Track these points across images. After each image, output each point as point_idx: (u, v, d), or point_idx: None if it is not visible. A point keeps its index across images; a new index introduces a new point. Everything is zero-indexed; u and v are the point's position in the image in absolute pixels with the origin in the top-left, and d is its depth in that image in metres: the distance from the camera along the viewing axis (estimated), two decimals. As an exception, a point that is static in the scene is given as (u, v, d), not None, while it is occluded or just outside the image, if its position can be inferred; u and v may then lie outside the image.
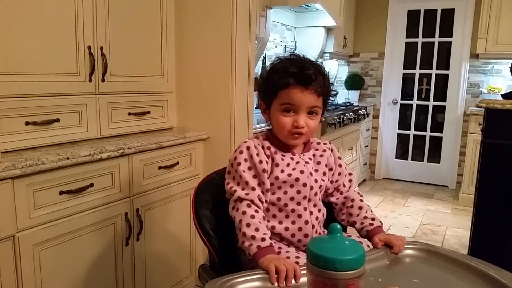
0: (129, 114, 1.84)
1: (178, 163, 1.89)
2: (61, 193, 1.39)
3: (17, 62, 1.40)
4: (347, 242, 0.77)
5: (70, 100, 1.58)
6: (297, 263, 0.97)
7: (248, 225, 1.03)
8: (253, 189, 1.09)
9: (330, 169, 1.22)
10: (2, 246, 1.24)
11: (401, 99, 4.82)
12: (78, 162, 1.42)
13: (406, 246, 1.09)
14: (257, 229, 1.02)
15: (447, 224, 3.48)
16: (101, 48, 1.67)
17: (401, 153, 4.95)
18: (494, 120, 2.08)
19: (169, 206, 1.89)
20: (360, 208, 1.19)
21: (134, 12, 1.82)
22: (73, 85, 1.59)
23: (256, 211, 1.06)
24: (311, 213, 1.15)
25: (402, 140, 4.92)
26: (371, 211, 1.20)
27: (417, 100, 4.76)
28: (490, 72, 4.33)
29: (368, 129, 4.76)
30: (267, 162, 1.12)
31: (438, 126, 4.70)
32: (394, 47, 4.72)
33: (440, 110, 4.67)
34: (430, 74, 4.65)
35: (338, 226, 0.77)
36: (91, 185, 1.49)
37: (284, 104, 1.10)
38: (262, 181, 1.11)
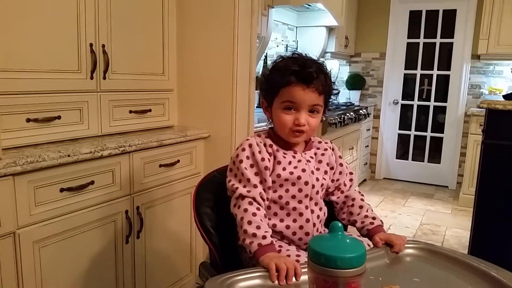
0: (130, 112, 1.84)
1: (178, 161, 1.89)
2: (61, 190, 1.39)
3: (19, 59, 1.40)
4: (348, 240, 0.77)
5: (71, 98, 1.58)
6: (297, 261, 0.97)
7: (249, 222, 1.03)
8: (255, 186, 1.09)
9: (331, 168, 1.23)
10: (3, 243, 1.24)
11: (402, 100, 4.82)
12: (79, 160, 1.42)
13: (406, 245, 1.09)
14: (258, 227, 1.02)
15: (447, 224, 3.48)
16: (103, 46, 1.67)
17: (402, 153, 4.95)
18: (495, 121, 2.08)
19: (170, 204, 1.89)
20: (361, 207, 1.19)
21: (136, 10, 1.81)
22: (75, 83, 1.59)
23: (258, 209, 1.06)
24: (312, 211, 1.15)
25: (402, 140, 4.92)
26: (372, 210, 1.20)
27: (418, 100, 4.76)
28: (492, 73, 4.33)
29: (369, 129, 4.76)
30: (269, 160, 1.12)
31: (438, 126, 4.70)
32: (396, 48, 4.72)
33: (441, 111, 4.67)
34: (431, 75, 4.65)
35: (339, 224, 0.77)
36: (92, 182, 1.49)
37: (285, 102, 1.11)
38: (264, 179, 1.11)
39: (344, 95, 4.84)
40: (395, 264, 1.04)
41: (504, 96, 2.58)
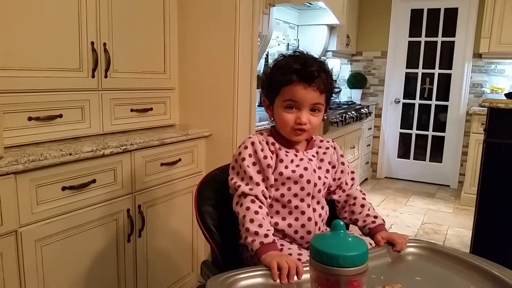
0: (132, 110, 1.84)
1: (180, 160, 1.89)
2: (63, 188, 1.39)
3: (20, 57, 1.40)
4: (350, 239, 0.76)
5: (73, 96, 1.58)
6: (299, 260, 0.97)
7: (251, 220, 1.03)
8: (257, 184, 1.09)
9: (333, 167, 1.23)
10: (5, 241, 1.24)
11: (404, 98, 4.81)
12: (81, 158, 1.42)
13: (408, 244, 1.09)
14: (260, 225, 1.02)
15: (449, 224, 3.47)
16: (104, 44, 1.67)
17: (403, 152, 4.94)
18: (497, 120, 2.08)
19: (171, 202, 1.89)
20: (363, 206, 1.19)
21: (137, 8, 1.81)
22: (76, 81, 1.59)
23: (260, 207, 1.06)
24: (314, 210, 1.14)
25: (404, 139, 4.91)
26: (373, 209, 1.20)
27: (419, 99, 4.75)
28: (493, 72, 4.31)
29: (370, 128, 4.75)
30: (271, 158, 1.12)
31: (440, 125, 4.69)
32: (397, 46, 4.71)
33: (442, 110, 4.66)
34: (433, 74, 4.64)
35: (341, 223, 0.77)
36: (94, 181, 1.49)
37: (287, 101, 1.11)
38: (267, 177, 1.11)
39: (346, 94, 4.83)
40: (397, 263, 1.03)
41: (506, 95, 2.57)
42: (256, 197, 1.07)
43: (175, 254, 1.97)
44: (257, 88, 2.12)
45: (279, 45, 3.75)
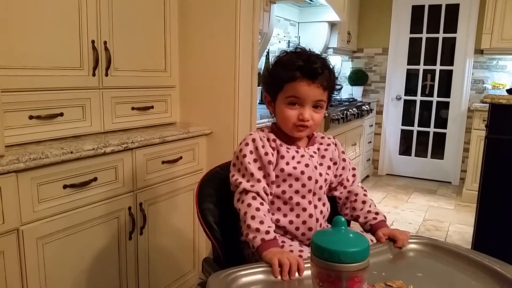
0: (133, 108, 1.84)
1: (181, 157, 1.89)
2: (64, 187, 1.39)
3: (21, 56, 1.40)
4: (351, 235, 0.76)
5: (73, 94, 1.58)
6: (300, 256, 0.97)
7: (253, 217, 1.03)
8: (259, 181, 1.09)
9: (335, 163, 1.22)
10: (7, 239, 1.24)
11: (405, 95, 4.80)
12: (82, 156, 1.42)
13: (410, 240, 1.08)
14: (261, 222, 1.02)
15: (450, 220, 3.47)
16: (105, 43, 1.66)
17: (405, 149, 4.94)
18: (498, 116, 2.07)
19: (172, 200, 1.89)
20: (364, 202, 1.19)
21: (138, 6, 1.81)
22: (77, 79, 1.59)
23: (261, 204, 1.06)
24: (315, 206, 1.14)
25: (405, 136, 4.90)
26: (375, 206, 1.20)
27: (421, 96, 4.74)
28: (495, 68, 4.30)
29: (372, 125, 4.75)
30: (272, 154, 1.12)
31: (441, 122, 4.68)
32: (398, 43, 4.70)
33: (444, 106, 4.65)
34: (434, 70, 4.63)
35: (343, 219, 0.77)
36: (95, 179, 1.50)
37: (290, 97, 1.10)
38: (268, 173, 1.11)
39: (347, 91, 4.83)
40: (398, 259, 1.03)
41: (507, 91, 2.56)
42: (258, 193, 1.07)
43: (177, 251, 1.97)
44: (258, 86, 2.12)
45: (279, 42, 3.74)
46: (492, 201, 2.14)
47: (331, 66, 1.14)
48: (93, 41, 1.62)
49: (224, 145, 2.01)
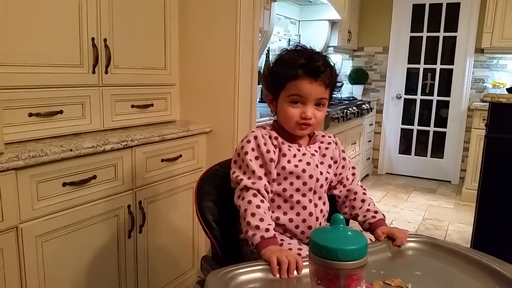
0: (132, 106, 1.84)
1: (181, 156, 1.89)
2: (64, 184, 1.39)
3: (21, 53, 1.40)
4: (349, 233, 0.76)
5: (73, 92, 1.58)
6: (299, 255, 0.97)
7: (253, 214, 1.03)
8: (260, 178, 1.09)
9: (335, 162, 1.22)
10: (6, 237, 1.24)
11: (405, 94, 4.79)
12: (81, 154, 1.42)
13: (408, 239, 1.09)
14: (261, 219, 1.02)
15: (450, 219, 3.47)
16: (105, 40, 1.66)
17: (404, 148, 4.94)
18: (498, 115, 2.07)
19: (172, 198, 1.89)
20: (363, 201, 1.19)
21: (138, 4, 1.81)
22: (77, 77, 1.59)
23: (262, 201, 1.06)
24: (315, 205, 1.14)
25: (405, 135, 4.90)
26: (374, 204, 1.20)
27: (421, 95, 4.73)
28: (495, 67, 4.30)
29: (372, 124, 4.74)
30: (274, 152, 1.12)
31: (441, 121, 4.68)
32: (399, 42, 4.69)
33: (444, 105, 4.65)
34: (435, 69, 4.62)
35: (341, 217, 0.77)
36: (94, 177, 1.50)
37: (292, 96, 1.10)
38: (269, 171, 1.10)
39: (347, 90, 4.82)
40: (397, 258, 1.03)
41: (508, 90, 2.56)
42: (258, 191, 1.07)
43: (176, 250, 1.97)
44: (258, 84, 2.12)
45: (280, 40, 3.74)
46: (492, 200, 2.14)
47: (332, 64, 1.14)
48: (93, 39, 1.62)
49: (224, 143, 2.01)
